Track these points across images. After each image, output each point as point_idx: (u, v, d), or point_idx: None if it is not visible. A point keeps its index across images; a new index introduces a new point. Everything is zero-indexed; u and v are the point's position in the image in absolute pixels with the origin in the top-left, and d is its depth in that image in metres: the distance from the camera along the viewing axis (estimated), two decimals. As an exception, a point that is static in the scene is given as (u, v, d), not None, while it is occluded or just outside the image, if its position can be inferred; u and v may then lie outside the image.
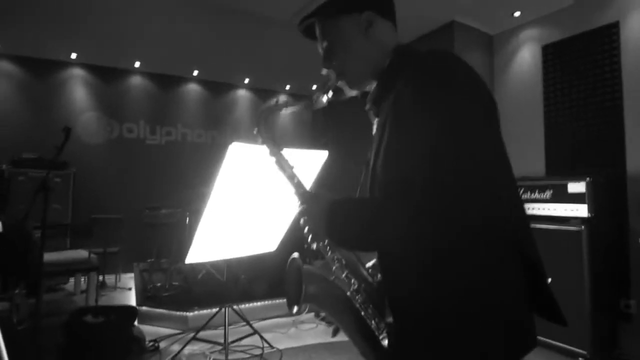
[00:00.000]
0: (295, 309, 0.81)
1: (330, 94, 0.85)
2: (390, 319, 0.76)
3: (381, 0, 0.85)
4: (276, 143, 0.87)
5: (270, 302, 3.23)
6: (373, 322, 0.78)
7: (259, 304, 3.20)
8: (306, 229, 0.81)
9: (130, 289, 3.96)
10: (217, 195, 1.66)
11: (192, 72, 5.11)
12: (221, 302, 2.30)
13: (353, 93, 0.88)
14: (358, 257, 0.85)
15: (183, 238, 3.51)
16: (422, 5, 3.19)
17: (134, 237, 4.28)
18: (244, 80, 5.51)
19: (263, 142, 0.86)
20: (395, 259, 0.73)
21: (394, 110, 0.70)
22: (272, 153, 0.87)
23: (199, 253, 1.85)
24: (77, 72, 4.66)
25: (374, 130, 0.84)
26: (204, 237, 1.80)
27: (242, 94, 5.72)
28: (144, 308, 3.03)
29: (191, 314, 2.89)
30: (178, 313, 2.91)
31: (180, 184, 4.12)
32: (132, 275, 4.35)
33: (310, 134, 6.03)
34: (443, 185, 0.61)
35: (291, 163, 0.86)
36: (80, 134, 4.35)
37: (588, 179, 2.40)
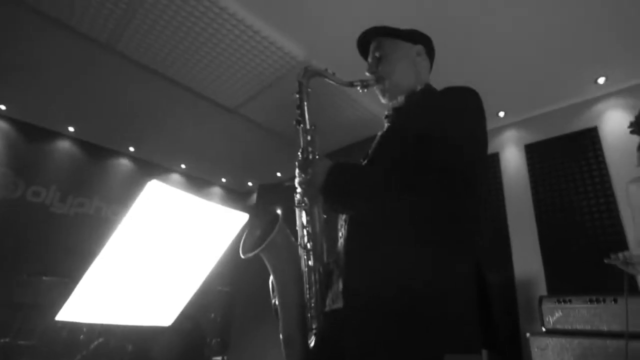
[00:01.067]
0: (249, 254, 0.86)
1: (365, 90, 1.11)
2: (337, 305, 0.84)
3: (430, 44, 1.16)
4: (308, 99, 1.03)
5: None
6: (309, 313, 0.86)
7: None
8: (300, 183, 0.91)
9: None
10: (119, 240, 1.49)
11: (128, 147, 5.39)
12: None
13: (382, 99, 1.13)
14: (324, 244, 0.94)
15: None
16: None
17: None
18: (180, 165, 5.86)
19: (299, 92, 1.04)
20: (372, 240, 0.80)
21: (427, 115, 0.91)
22: (300, 106, 1.03)
23: (76, 310, 1.59)
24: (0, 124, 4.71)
25: (383, 132, 1.07)
26: (87, 291, 1.56)
27: (176, 179, 5.98)
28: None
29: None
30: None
31: (78, 257, 3.83)
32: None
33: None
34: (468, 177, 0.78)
35: (310, 124, 1.01)
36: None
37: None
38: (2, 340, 3.22)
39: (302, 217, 0.94)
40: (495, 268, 3.36)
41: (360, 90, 1.10)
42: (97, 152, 5.31)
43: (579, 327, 2.38)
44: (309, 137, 0.98)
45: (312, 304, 0.86)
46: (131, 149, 5.43)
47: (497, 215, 3.60)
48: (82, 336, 3.19)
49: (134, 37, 3.15)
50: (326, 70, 1.05)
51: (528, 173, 3.56)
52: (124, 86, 3.88)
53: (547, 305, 2.57)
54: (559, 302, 2.53)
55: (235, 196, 6.71)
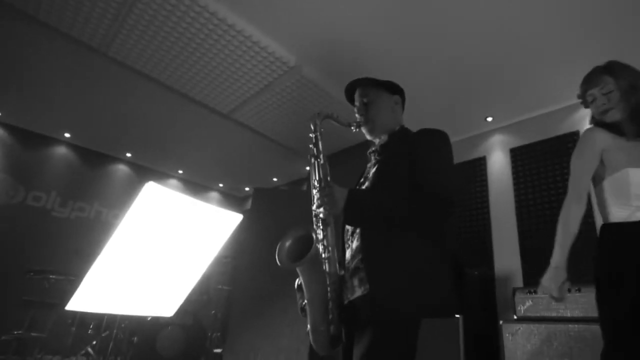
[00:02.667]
0: (288, 266, 1.15)
1: (357, 130, 1.49)
2: (354, 296, 1.22)
3: (404, 94, 1.59)
4: (322, 139, 1.34)
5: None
6: (330, 308, 1.20)
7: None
8: (321, 208, 1.22)
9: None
10: (121, 237, 1.68)
11: (125, 154, 5.95)
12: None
13: (367, 136, 1.53)
14: (337, 255, 1.27)
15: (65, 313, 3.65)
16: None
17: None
18: (178, 170, 6.45)
19: (314, 131, 1.35)
20: (384, 240, 1.18)
21: (411, 150, 1.31)
22: (315, 144, 1.33)
23: (84, 301, 1.86)
24: (-5, 130, 5.23)
25: (371, 165, 1.48)
26: (94, 283, 1.83)
27: (174, 184, 6.59)
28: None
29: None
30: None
31: (82, 258, 4.31)
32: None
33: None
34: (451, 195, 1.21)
35: (324, 158, 1.32)
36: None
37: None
38: (16, 333, 3.77)
39: (319, 234, 1.26)
40: (477, 264, 3.89)
41: (354, 130, 1.49)
42: (94, 158, 5.90)
43: (546, 314, 2.90)
44: (321, 170, 1.28)
45: (332, 301, 1.19)
46: (128, 154, 5.99)
47: (481, 215, 4.15)
48: (90, 330, 3.74)
49: (126, 42, 3.46)
50: (333, 114, 1.42)
51: (512, 175, 4.10)
52: (119, 92, 4.26)
53: (519, 296, 3.09)
54: (529, 292, 3.05)
55: (232, 201, 7.31)
